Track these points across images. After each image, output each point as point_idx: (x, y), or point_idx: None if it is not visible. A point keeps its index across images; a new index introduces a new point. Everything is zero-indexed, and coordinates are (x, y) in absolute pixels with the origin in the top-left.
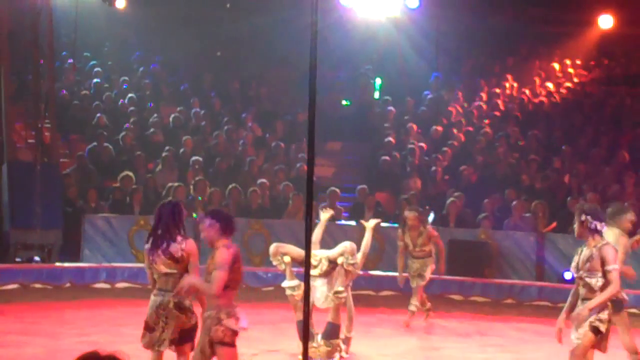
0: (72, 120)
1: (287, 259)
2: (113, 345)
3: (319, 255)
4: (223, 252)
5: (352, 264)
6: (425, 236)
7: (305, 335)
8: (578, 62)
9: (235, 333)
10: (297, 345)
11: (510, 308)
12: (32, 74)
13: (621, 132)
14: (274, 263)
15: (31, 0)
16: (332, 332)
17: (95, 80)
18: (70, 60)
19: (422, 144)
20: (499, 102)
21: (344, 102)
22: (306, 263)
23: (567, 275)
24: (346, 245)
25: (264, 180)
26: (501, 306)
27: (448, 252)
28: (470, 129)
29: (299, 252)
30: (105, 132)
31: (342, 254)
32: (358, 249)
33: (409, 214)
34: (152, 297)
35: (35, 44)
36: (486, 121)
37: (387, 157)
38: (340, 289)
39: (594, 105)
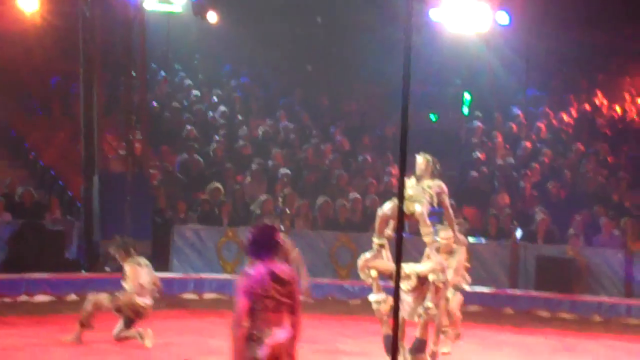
0: (162, 132)
1: (373, 273)
2: (200, 355)
3: (408, 271)
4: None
5: (443, 282)
6: None
7: (394, 350)
8: None
9: None
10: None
11: (597, 325)
12: (124, 86)
13: None
14: (362, 276)
15: (124, 14)
16: (419, 348)
17: (186, 92)
18: (163, 73)
19: (511, 160)
20: (589, 118)
21: (431, 117)
22: (396, 279)
23: None
24: (437, 262)
25: (356, 194)
26: (589, 323)
27: (536, 268)
28: (559, 145)
29: (388, 266)
30: (195, 144)
31: (432, 271)
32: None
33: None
34: None
35: (127, 56)
36: (575, 138)
37: (475, 173)
38: (430, 305)
39: None
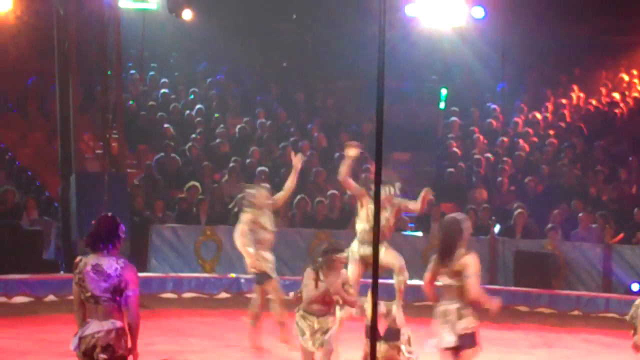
0: (139, 131)
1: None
2: (180, 355)
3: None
4: None
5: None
6: None
7: (373, 336)
8: None
9: None
10: (365, 344)
11: (577, 320)
12: (100, 85)
13: None
14: None
15: (99, 12)
16: (392, 336)
17: (162, 91)
18: (133, 72)
19: (489, 155)
20: (565, 112)
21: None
22: (374, 271)
23: (634, 287)
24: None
25: (334, 191)
26: (568, 318)
27: (514, 263)
28: (536, 139)
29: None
30: (172, 143)
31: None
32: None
33: None
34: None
35: (103, 55)
36: (552, 132)
37: (452, 169)
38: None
39: None
